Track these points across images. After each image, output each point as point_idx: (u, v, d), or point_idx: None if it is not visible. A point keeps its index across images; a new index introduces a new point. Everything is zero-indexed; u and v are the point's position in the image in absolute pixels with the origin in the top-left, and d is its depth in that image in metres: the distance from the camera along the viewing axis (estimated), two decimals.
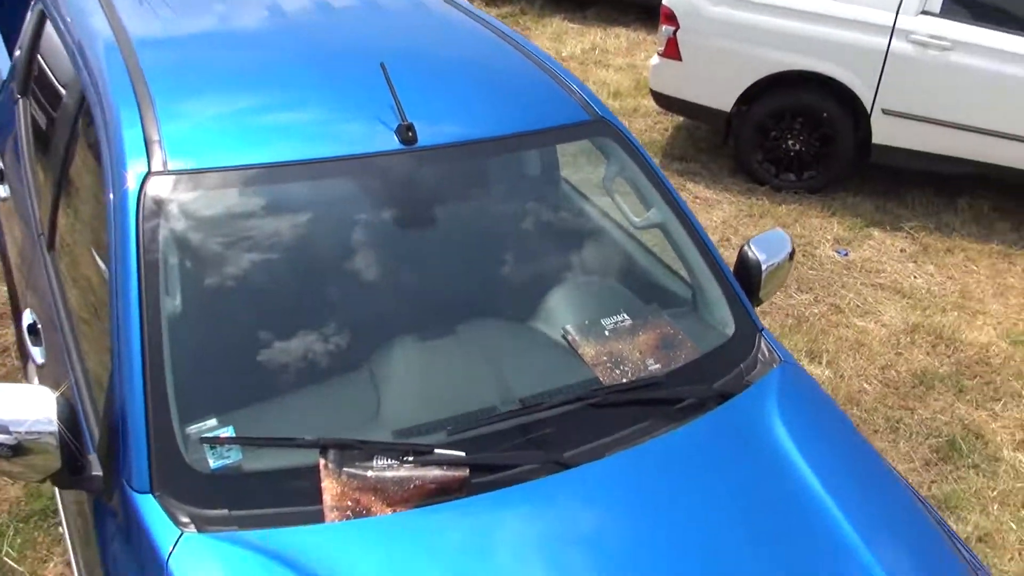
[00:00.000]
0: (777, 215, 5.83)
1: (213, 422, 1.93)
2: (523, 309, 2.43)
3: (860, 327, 4.80)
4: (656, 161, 5.78)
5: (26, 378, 3.14)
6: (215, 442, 1.90)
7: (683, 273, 2.64)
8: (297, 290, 2.22)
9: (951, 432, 4.08)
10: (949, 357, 4.63)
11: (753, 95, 5.91)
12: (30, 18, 3.52)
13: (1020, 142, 5.38)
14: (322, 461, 1.90)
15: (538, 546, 1.87)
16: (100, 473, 1.94)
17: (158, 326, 1.98)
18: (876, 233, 5.75)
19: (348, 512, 1.86)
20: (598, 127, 2.63)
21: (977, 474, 3.88)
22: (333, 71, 2.54)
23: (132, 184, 2.11)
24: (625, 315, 2.43)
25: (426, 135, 2.34)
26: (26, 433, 1.82)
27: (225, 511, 1.84)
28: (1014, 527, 3.59)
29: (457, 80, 2.62)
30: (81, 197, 2.55)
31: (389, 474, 1.91)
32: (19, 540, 3.16)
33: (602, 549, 1.88)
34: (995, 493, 3.79)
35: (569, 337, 2.35)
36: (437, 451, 1.97)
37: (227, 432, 1.92)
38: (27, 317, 2.73)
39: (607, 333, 2.37)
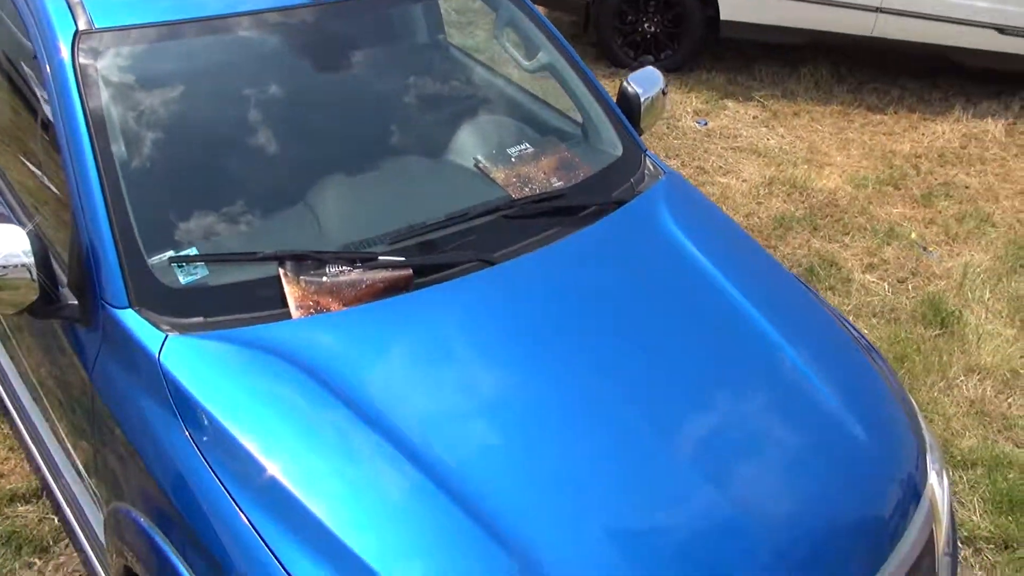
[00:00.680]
0: None
1: (176, 246, 2.13)
2: (436, 145, 2.69)
3: (723, 183, 5.26)
4: None
5: None
6: (182, 260, 2.10)
7: (573, 109, 2.94)
8: (233, 131, 2.41)
9: (809, 262, 4.59)
10: (803, 203, 5.14)
11: None
12: None
13: (849, 8, 5.90)
14: (281, 271, 2.14)
15: (475, 325, 2.17)
16: (76, 302, 2.11)
17: (113, 168, 2.15)
18: (730, 104, 6.21)
19: (311, 310, 2.10)
20: None
21: (834, 294, 4.41)
22: None
23: (64, 45, 2.25)
24: (527, 144, 2.72)
25: None
26: (2, 267, 1.98)
27: (201, 319, 2.06)
28: (865, 331, 4.12)
29: None
30: (14, 68, 2.64)
31: (343, 278, 2.16)
32: None
33: (533, 326, 2.20)
34: (849, 307, 4.32)
35: (480, 164, 2.63)
36: (381, 257, 2.23)
37: (191, 252, 2.12)
38: None
39: (513, 160, 2.66)
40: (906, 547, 2.04)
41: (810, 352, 2.31)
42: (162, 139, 2.30)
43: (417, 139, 2.71)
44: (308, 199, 2.37)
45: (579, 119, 2.94)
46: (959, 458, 3.57)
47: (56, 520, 3.12)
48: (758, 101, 6.23)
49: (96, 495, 2.47)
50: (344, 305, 2.13)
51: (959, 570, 2.41)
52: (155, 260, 2.11)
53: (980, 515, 3.34)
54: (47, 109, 2.26)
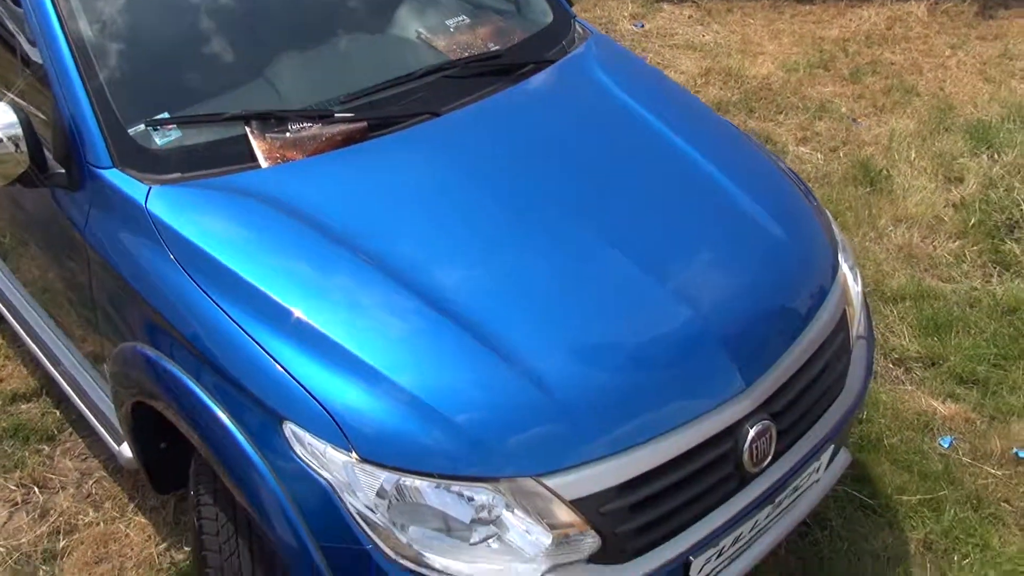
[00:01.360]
0: (579, 0, 6.41)
1: (151, 112, 2.34)
2: (382, 21, 2.90)
3: None
4: None
5: None
6: (156, 123, 2.31)
7: None
8: (197, 9, 2.59)
9: None
10: (738, 89, 5.40)
11: None
12: None
13: None
14: (248, 129, 2.36)
15: (428, 165, 2.41)
16: (63, 170, 2.32)
17: (84, 47, 2.34)
18: (666, 6, 6.43)
19: (278, 160, 2.33)
20: None
21: None
22: None
23: None
24: (464, 16, 2.94)
25: None
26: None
27: (179, 174, 2.28)
28: None
29: None
30: None
31: (304, 133, 2.39)
32: None
33: (483, 163, 2.44)
34: None
35: (423, 36, 2.84)
36: (338, 114, 2.45)
37: (164, 116, 2.34)
38: None
39: (452, 30, 2.88)
40: (823, 320, 2.33)
41: (736, 172, 2.58)
42: (130, 19, 2.48)
43: (364, 16, 2.90)
44: (267, 71, 2.58)
45: None
46: (889, 295, 3.88)
47: (58, 413, 3.36)
48: (692, 1, 6.45)
49: (96, 369, 2.70)
50: (307, 155, 2.36)
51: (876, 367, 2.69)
52: (132, 127, 2.31)
53: (909, 340, 3.66)
54: None
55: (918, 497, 3.05)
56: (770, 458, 2.16)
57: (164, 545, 2.92)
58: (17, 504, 3.04)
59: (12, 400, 3.41)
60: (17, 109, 2.24)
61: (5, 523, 2.98)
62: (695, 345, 2.12)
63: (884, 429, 3.29)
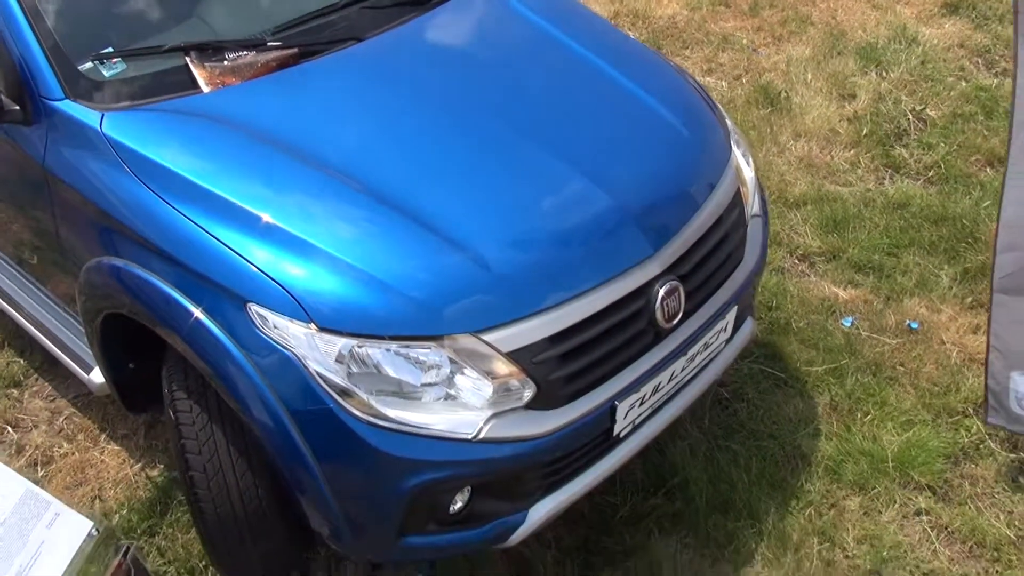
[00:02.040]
0: None
1: (96, 48, 2.54)
2: None
3: None
4: None
5: None
6: (103, 57, 2.51)
7: None
8: None
9: None
10: (646, 28, 5.71)
11: None
12: None
13: None
14: (188, 59, 2.57)
15: (357, 80, 2.66)
16: (17, 107, 2.51)
17: None
18: None
19: (218, 85, 2.55)
20: None
21: None
22: None
23: None
24: None
25: None
26: None
27: (128, 102, 2.48)
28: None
29: None
30: None
31: (240, 61, 2.61)
32: None
33: (406, 75, 2.70)
34: None
35: None
36: (269, 43, 2.67)
37: (109, 50, 2.53)
38: None
39: None
40: (718, 196, 2.64)
41: (637, 74, 2.89)
42: None
43: None
44: (202, 10, 2.79)
45: None
46: (792, 201, 4.23)
47: (23, 361, 3.53)
48: None
49: (62, 309, 2.90)
50: (244, 80, 2.58)
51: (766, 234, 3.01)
52: (81, 63, 2.51)
53: (811, 238, 4.01)
54: None
55: (823, 367, 3.39)
56: (680, 316, 2.46)
57: (139, 466, 3.13)
58: None
59: None
60: None
61: None
62: (608, 220, 2.41)
63: (792, 314, 3.63)
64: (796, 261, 3.94)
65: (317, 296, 2.13)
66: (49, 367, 3.48)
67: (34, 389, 3.44)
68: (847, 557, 2.81)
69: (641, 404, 2.43)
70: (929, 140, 4.57)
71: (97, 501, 3.01)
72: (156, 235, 2.27)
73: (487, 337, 2.16)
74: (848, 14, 5.76)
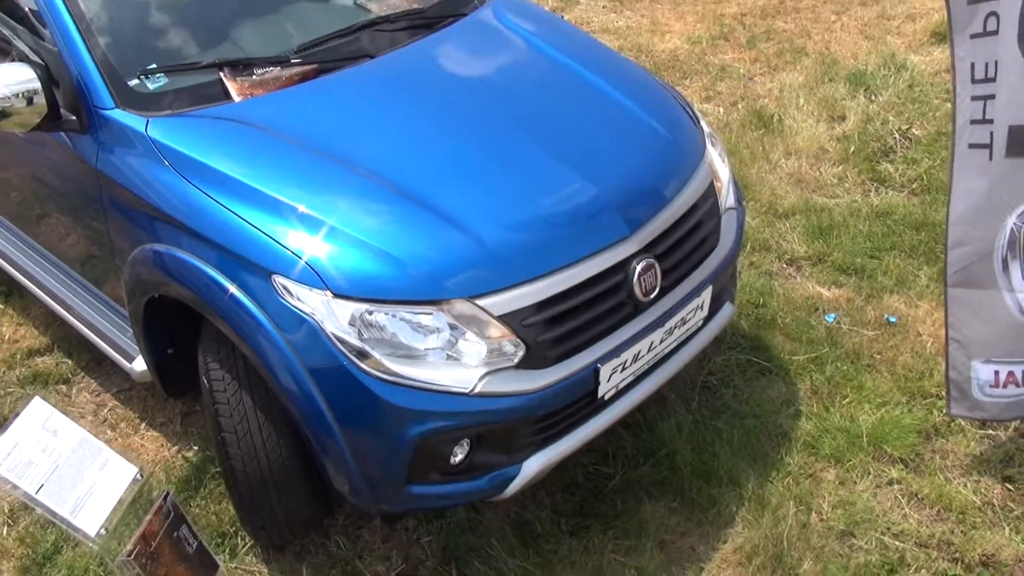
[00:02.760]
0: None
1: (143, 65, 2.91)
2: None
3: None
4: None
5: None
6: (147, 72, 2.88)
7: None
8: None
9: None
10: (648, 61, 6.06)
11: None
12: None
13: None
14: (222, 74, 2.93)
15: (369, 90, 3.00)
16: (74, 117, 2.88)
17: (82, 17, 2.91)
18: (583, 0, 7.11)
19: (248, 96, 2.90)
20: None
21: None
22: None
23: None
24: None
25: None
26: (21, 93, 2.74)
27: (170, 110, 2.84)
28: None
29: None
30: None
31: (267, 75, 2.97)
32: None
33: (413, 88, 3.04)
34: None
35: (359, 3, 3.45)
36: (292, 60, 3.03)
37: (153, 66, 2.91)
38: None
39: None
40: (691, 187, 2.95)
41: (619, 83, 3.22)
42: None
43: None
44: (234, 33, 3.17)
45: None
46: (782, 212, 4.51)
47: (71, 361, 3.87)
48: None
49: (110, 306, 3.25)
50: (270, 91, 2.94)
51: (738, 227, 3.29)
52: (130, 79, 2.88)
53: (799, 244, 4.28)
54: None
55: (805, 356, 3.65)
56: (657, 291, 2.75)
57: (176, 448, 3.44)
58: None
59: (29, 355, 3.92)
60: (34, 67, 2.79)
61: None
62: (591, 206, 2.72)
63: (778, 311, 3.90)
64: (784, 265, 4.22)
65: (332, 267, 2.45)
66: (94, 366, 3.82)
67: (81, 385, 3.77)
68: (822, 520, 3.04)
69: (623, 370, 2.71)
70: (914, 156, 4.85)
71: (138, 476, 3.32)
72: (193, 221, 2.61)
73: (481, 302, 2.47)
74: (841, 45, 6.09)
